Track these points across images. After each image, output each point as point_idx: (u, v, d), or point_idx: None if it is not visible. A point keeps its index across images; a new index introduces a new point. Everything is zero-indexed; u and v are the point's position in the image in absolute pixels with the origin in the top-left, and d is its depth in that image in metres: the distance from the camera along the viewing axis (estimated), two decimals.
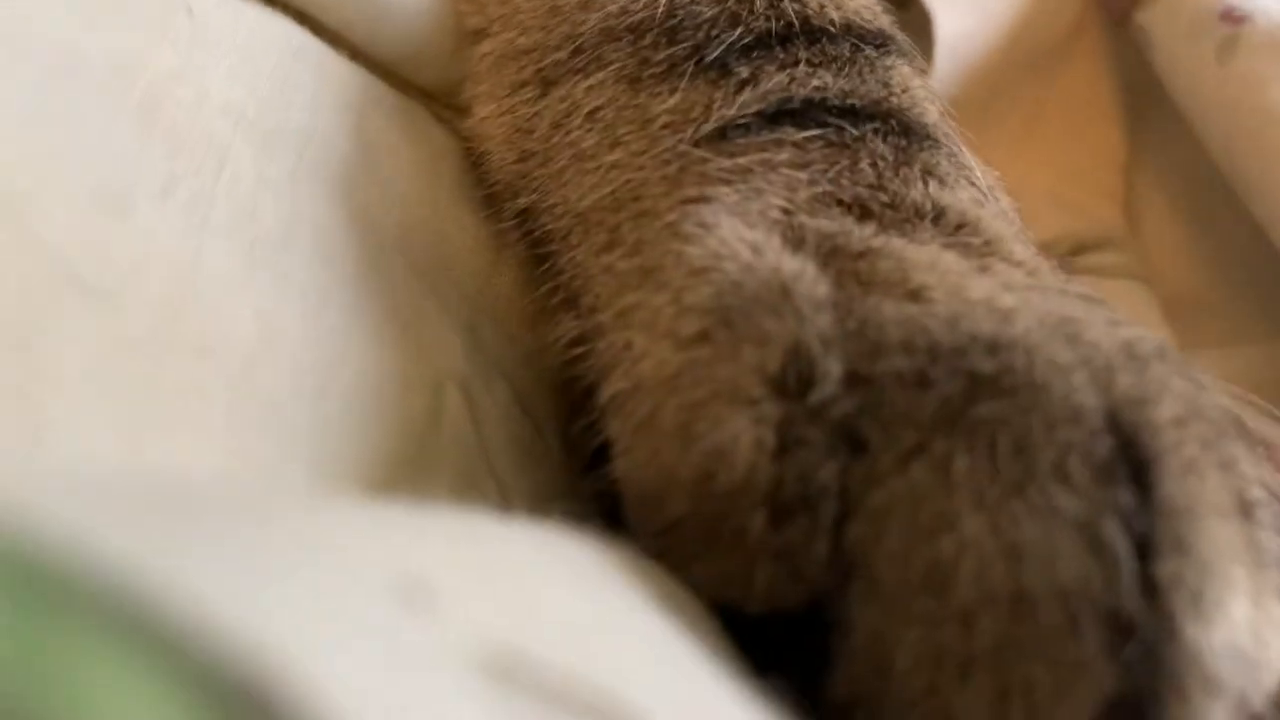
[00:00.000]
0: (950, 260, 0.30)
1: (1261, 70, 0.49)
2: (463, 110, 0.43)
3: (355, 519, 0.21)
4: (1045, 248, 0.55)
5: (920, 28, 0.55)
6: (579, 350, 0.34)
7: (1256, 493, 0.27)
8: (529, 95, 0.39)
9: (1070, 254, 0.54)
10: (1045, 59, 0.60)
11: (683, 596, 0.27)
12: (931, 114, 0.36)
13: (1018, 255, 0.32)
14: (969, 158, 0.36)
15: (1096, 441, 0.25)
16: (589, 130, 0.37)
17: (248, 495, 0.22)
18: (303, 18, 0.40)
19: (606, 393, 0.31)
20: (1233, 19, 0.51)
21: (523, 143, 0.39)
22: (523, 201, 0.38)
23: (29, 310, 0.24)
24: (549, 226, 0.37)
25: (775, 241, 0.30)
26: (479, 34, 0.42)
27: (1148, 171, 0.58)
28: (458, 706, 0.17)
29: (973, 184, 0.35)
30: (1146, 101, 0.58)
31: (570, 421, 0.35)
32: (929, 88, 0.37)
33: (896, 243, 0.31)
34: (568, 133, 0.37)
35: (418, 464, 0.32)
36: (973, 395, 0.26)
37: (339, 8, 0.41)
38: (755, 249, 0.30)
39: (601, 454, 0.32)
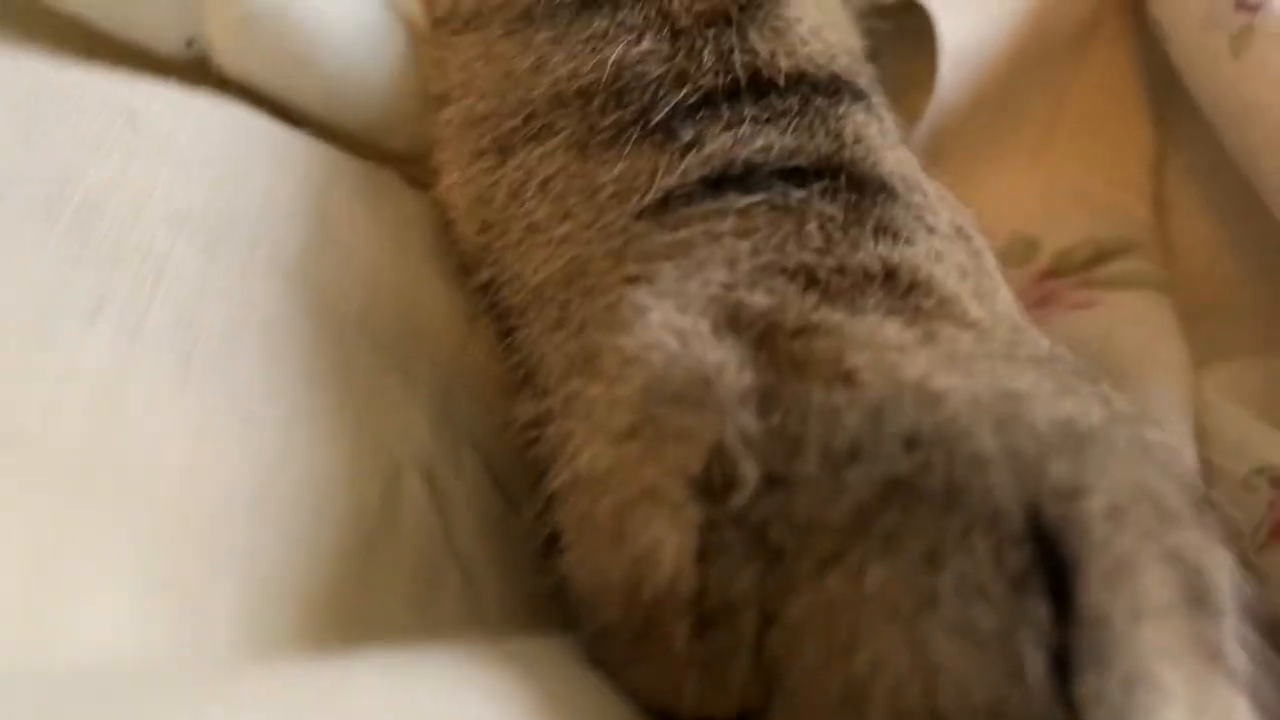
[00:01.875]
0: (891, 333, 0.29)
1: (1278, 62, 0.46)
2: (435, 173, 0.42)
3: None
4: (1063, 256, 0.54)
5: (923, 33, 0.53)
6: (535, 433, 0.34)
7: (1214, 578, 0.25)
8: (488, 164, 0.38)
9: (1090, 262, 0.52)
10: (1062, 53, 0.57)
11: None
12: (888, 162, 0.35)
13: (971, 315, 0.31)
14: (934, 201, 0.35)
15: (1013, 550, 0.24)
16: (541, 201, 0.36)
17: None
18: (260, 100, 0.40)
19: (553, 483, 0.31)
20: (1247, 7, 0.48)
21: (483, 213, 0.38)
22: (485, 274, 0.38)
23: None
24: (509, 301, 0.37)
25: (705, 326, 0.29)
26: (442, 99, 0.41)
27: (1176, 166, 0.56)
28: None
29: (932, 232, 0.33)
30: (1175, 92, 0.55)
31: (528, 506, 0.35)
32: (887, 132, 0.36)
33: (836, 316, 0.30)
34: (522, 203, 0.37)
35: (368, 562, 0.32)
36: (887, 499, 0.24)
37: (300, 81, 0.41)
38: (682, 338, 0.29)
39: (555, 541, 0.31)
